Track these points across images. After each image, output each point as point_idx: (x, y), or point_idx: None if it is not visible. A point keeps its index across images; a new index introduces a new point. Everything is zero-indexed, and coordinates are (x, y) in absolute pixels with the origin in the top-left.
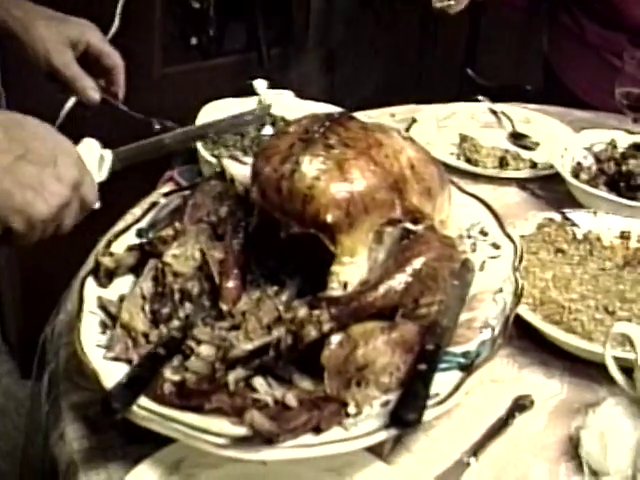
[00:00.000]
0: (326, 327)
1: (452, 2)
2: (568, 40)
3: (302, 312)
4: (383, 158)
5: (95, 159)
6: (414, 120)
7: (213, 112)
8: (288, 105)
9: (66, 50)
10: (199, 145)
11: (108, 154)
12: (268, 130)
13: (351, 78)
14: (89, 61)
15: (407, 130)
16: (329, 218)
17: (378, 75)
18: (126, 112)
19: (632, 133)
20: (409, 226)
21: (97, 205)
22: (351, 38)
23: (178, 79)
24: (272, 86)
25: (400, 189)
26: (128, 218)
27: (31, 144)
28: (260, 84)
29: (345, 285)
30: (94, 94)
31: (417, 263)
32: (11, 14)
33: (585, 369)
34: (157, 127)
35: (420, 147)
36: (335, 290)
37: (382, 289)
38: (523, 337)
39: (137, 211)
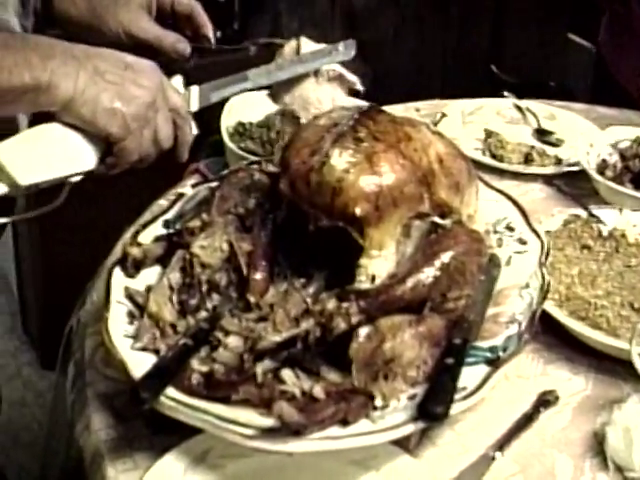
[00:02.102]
0: (354, 320)
1: None
2: (619, 31)
3: (331, 304)
4: (412, 152)
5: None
6: (443, 115)
7: (238, 106)
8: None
9: (140, 17)
10: (225, 137)
11: (194, 87)
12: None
13: (375, 72)
14: (166, 17)
15: (436, 125)
16: (358, 211)
17: (403, 70)
18: (223, 48)
19: None
20: (437, 220)
21: (195, 131)
22: (375, 33)
23: (203, 72)
24: None
25: (428, 183)
26: (154, 209)
27: (109, 57)
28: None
29: (373, 278)
30: (184, 46)
31: (445, 257)
32: (75, 4)
33: (610, 365)
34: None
35: (449, 141)
36: (363, 283)
37: (410, 283)
38: (549, 333)
39: (163, 202)
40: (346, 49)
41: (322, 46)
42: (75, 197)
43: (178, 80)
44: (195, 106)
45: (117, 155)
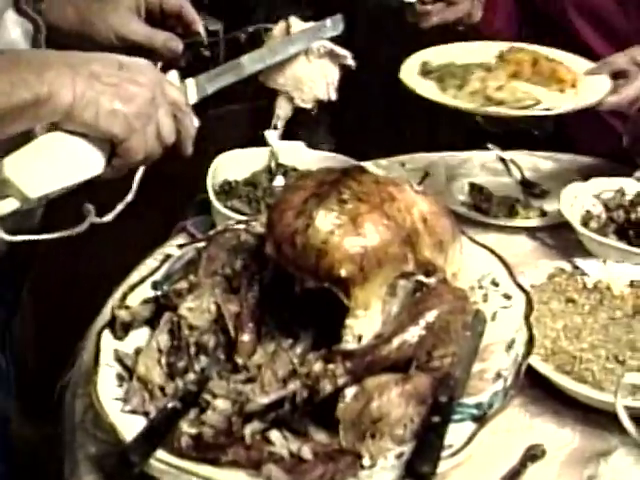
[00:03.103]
0: (341, 381)
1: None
2: None
3: (317, 366)
4: (396, 212)
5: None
6: (427, 174)
7: (226, 162)
8: (299, 155)
9: (130, 19)
10: (212, 196)
11: (190, 80)
12: (280, 181)
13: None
14: (155, 17)
15: (419, 184)
16: (343, 272)
17: (387, 122)
18: (214, 41)
19: None
20: (422, 279)
21: (196, 123)
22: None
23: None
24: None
25: (413, 243)
26: (142, 269)
27: (103, 60)
28: (271, 135)
29: (359, 338)
30: (175, 44)
31: (430, 316)
32: (65, 14)
33: (597, 418)
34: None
35: (433, 200)
36: (349, 343)
37: (396, 342)
38: (535, 386)
39: (151, 262)
40: (334, 24)
41: (310, 24)
42: (65, 251)
43: (174, 75)
44: (193, 98)
45: (123, 155)
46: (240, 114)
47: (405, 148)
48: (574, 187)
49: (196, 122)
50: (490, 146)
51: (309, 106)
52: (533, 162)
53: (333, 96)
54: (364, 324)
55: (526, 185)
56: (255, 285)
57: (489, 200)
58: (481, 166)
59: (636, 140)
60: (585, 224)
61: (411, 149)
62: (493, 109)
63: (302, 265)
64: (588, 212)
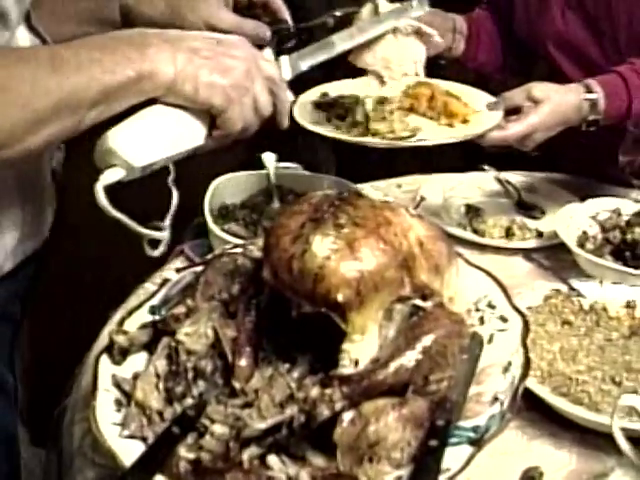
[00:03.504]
0: (338, 406)
1: None
2: None
3: (314, 391)
4: (392, 236)
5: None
6: (422, 198)
7: (223, 186)
8: (296, 178)
9: (219, 9)
10: (209, 219)
11: (284, 57)
12: (276, 203)
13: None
14: (242, 5)
15: (416, 208)
16: (340, 297)
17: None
18: (302, 27)
19: (637, 201)
20: (418, 303)
21: (291, 97)
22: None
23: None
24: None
25: (409, 267)
26: (140, 293)
27: (192, 38)
28: (269, 157)
29: (356, 363)
30: (263, 31)
31: (427, 340)
32: (153, 5)
33: (594, 440)
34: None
35: (429, 224)
36: (346, 368)
37: (393, 367)
38: (532, 409)
39: (149, 286)
40: (420, 3)
41: (397, 5)
42: (62, 277)
43: (268, 52)
44: (288, 75)
45: (222, 126)
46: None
47: (402, 170)
48: (570, 208)
49: (291, 96)
50: (486, 167)
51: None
52: (529, 183)
53: (421, 74)
54: (361, 348)
55: (522, 206)
56: (252, 310)
57: (485, 221)
58: (477, 187)
59: (631, 161)
60: (581, 245)
61: (408, 171)
62: (364, 139)
63: (299, 290)
64: (584, 233)
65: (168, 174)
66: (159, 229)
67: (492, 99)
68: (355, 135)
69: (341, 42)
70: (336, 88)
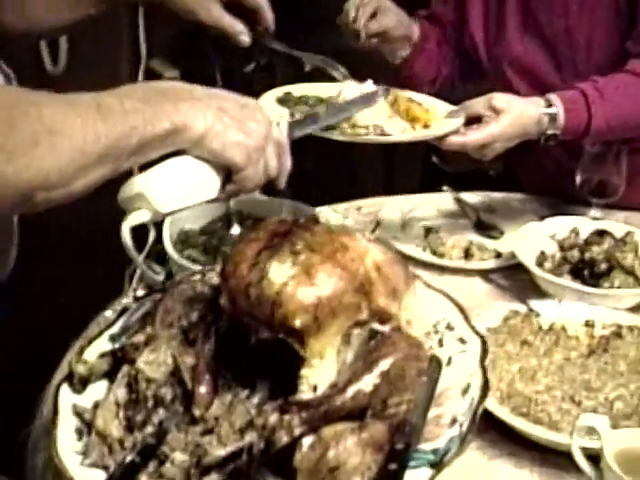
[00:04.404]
0: (297, 431)
1: None
2: None
3: (273, 418)
4: (349, 262)
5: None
6: (379, 223)
7: (181, 213)
8: (255, 203)
9: (211, 3)
10: (168, 246)
11: (283, 122)
12: (236, 229)
13: (316, 173)
14: (234, 4)
15: (372, 232)
16: (297, 323)
17: (344, 165)
18: (277, 49)
19: (595, 219)
20: (376, 327)
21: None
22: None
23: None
24: None
25: (366, 291)
26: (101, 321)
27: (224, 97)
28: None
29: (315, 388)
30: (245, 38)
31: (385, 364)
32: None
33: (554, 459)
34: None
35: (385, 248)
36: (305, 393)
37: (351, 392)
38: (492, 429)
39: (108, 314)
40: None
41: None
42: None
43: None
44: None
45: (238, 183)
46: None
47: (362, 192)
48: (528, 227)
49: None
50: (445, 188)
51: None
52: (488, 203)
53: None
54: (319, 373)
55: (481, 227)
56: (211, 336)
57: (444, 243)
58: (436, 208)
59: (589, 179)
60: (540, 265)
61: (368, 193)
62: (327, 133)
63: (257, 316)
64: (543, 253)
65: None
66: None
67: (453, 108)
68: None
69: (326, 117)
70: (300, 89)
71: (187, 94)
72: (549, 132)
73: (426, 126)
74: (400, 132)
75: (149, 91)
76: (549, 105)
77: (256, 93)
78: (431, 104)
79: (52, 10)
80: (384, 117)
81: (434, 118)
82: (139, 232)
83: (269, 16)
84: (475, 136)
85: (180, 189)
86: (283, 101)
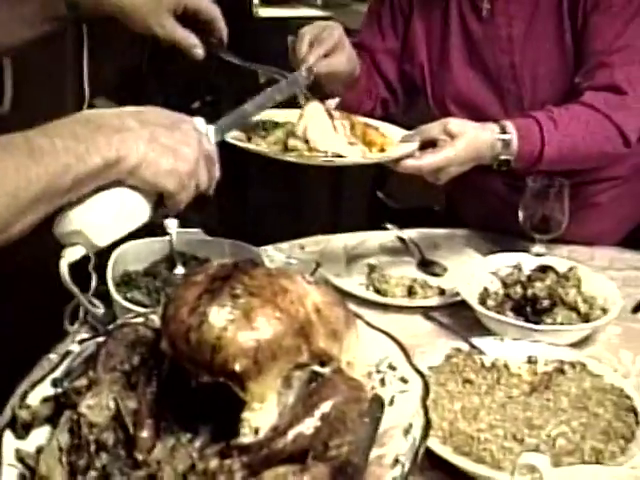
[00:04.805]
0: (238, 476)
1: None
2: None
3: (213, 463)
4: (288, 304)
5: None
6: (318, 265)
7: (126, 253)
8: (198, 243)
9: (166, 18)
10: (111, 288)
11: (211, 127)
12: (180, 270)
13: (260, 212)
14: (188, 17)
15: (312, 274)
16: (237, 367)
17: (287, 202)
18: (233, 61)
19: (538, 255)
20: (317, 369)
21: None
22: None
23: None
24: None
25: (306, 334)
26: (45, 365)
27: (156, 120)
28: (171, 223)
29: (256, 431)
30: (199, 51)
31: (325, 407)
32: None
33: None
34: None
35: (325, 290)
36: (246, 436)
37: (291, 435)
38: (436, 468)
39: (53, 356)
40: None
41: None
42: None
43: (200, 121)
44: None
45: (170, 207)
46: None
47: (307, 230)
48: (471, 264)
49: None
50: (389, 226)
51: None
52: (431, 240)
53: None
54: (260, 417)
55: (424, 264)
56: (153, 380)
57: (387, 281)
58: (380, 246)
59: (531, 215)
60: (483, 302)
61: (313, 230)
62: (285, 156)
63: (197, 361)
64: (486, 289)
65: (89, 260)
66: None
67: (408, 132)
68: (275, 152)
69: (254, 110)
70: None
71: (118, 124)
72: (502, 157)
73: (382, 150)
74: (355, 154)
75: (80, 126)
76: (503, 131)
77: None
78: (387, 129)
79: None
80: (343, 143)
81: (390, 142)
82: (81, 269)
83: (223, 28)
84: (430, 159)
85: (115, 220)
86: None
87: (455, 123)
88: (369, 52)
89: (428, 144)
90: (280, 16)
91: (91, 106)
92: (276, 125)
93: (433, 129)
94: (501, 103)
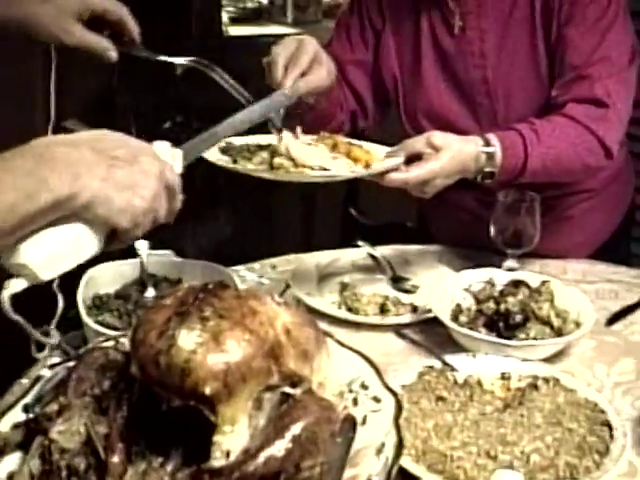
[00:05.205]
0: None
1: None
2: None
3: None
4: (258, 326)
5: (169, 157)
6: (288, 286)
7: (97, 276)
8: (169, 265)
9: (71, 24)
10: (82, 311)
11: (178, 151)
12: (151, 292)
13: (232, 232)
14: (96, 19)
15: (281, 295)
16: (207, 390)
17: (258, 222)
18: (148, 56)
19: (510, 270)
20: (288, 390)
21: (181, 197)
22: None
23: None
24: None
25: (276, 355)
26: (16, 390)
27: (115, 152)
28: (141, 245)
29: (228, 454)
30: (112, 54)
31: (296, 429)
32: (8, 13)
33: None
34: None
35: (295, 310)
36: (218, 460)
37: (263, 457)
38: None
39: (24, 381)
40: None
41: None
42: None
43: (164, 144)
44: (179, 169)
45: (122, 241)
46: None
47: (280, 249)
48: (443, 280)
49: (180, 197)
50: (360, 243)
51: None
52: (404, 256)
53: None
54: (232, 440)
55: (397, 281)
56: (124, 404)
57: (359, 299)
58: (352, 264)
59: (503, 230)
60: (455, 318)
61: (286, 250)
62: (270, 174)
63: (167, 385)
64: (458, 305)
65: (52, 280)
66: (48, 333)
67: (392, 148)
68: (263, 170)
69: (224, 133)
70: (241, 139)
71: (74, 156)
72: (486, 170)
73: (367, 166)
74: (347, 170)
75: (33, 159)
76: (487, 144)
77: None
78: (370, 147)
79: None
80: (327, 158)
81: (375, 158)
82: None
83: (132, 26)
84: (416, 172)
85: (63, 255)
86: (225, 150)
87: (439, 136)
88: (337, 63)
89: (413, 159)
90: (250, 34)
91: (60, 128)
92: (260, 147)
93: (417, 143)
94: (474, 117)
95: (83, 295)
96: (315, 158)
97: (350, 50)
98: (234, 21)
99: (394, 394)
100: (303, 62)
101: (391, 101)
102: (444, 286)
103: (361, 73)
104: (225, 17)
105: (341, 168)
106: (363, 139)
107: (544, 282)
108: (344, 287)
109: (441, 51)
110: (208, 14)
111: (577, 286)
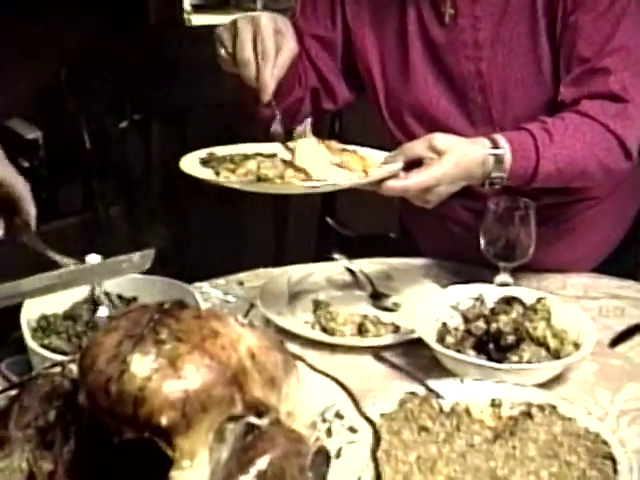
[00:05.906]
0: None
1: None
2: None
3: None
4: (219, 350)
5: None
6: (252, 305)
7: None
8: (124, 282)
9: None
10: (26, 333)
11: None
12: (103, 312)
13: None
14: None
15: (246, 315)
16: (164, 421)
17: (227, 234)
18: (39, 250)
19: (503, 285)
20: (253, 421)
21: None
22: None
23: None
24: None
25: (240, 382)
26: None
27: None
28: (93, 259)
29: None
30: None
31: (262, 463)
32: None
33: None
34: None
35: (261, 333)
36: None
37: None
38: None
39: None
40: (143, 260)
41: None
42: None
43: None
44: None
45: None
46: (66, 228)
47: (250, 264)
48: (428, 297)
49: None
50: (336, 256)
51: None
52: (384, 270)
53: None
54: (191, 476)
55: (377, 298)
56: (71, 437)
57: (335, 318)
58: (327, 279)
59: (493, 241)
60: (441, 339)
61: (254, 263)
62: (254, 186)
63: (119, 415)
64: (445, 325)
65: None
66: None
67: (390, 153)
68: (246, 183)
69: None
70: (223, 150)
71: None
72: (494, 175)
73: (364, 173)
74: (334, 178)
75: None
76: (495, 146)
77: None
78: (365, 152)
79: None
80: (328, 165)
81: (371, 165)
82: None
83: (30, 210)
84: (417, 179)
85: None
86: (206, 162)
87: (441, 139)
88: (298, 35)
89: (413, 164)
90: (215, 24)
91: (6, 129)
92: (246, 157)
93: (417, 146)
94: (466, 115)
95: (27, 316)
96: (316, 167)
97: (315, 24)
98: (197, 9)
99: (372, 424)
100: (270, 50)
101: (367, 92)
102: (429, 304)
103: (325, 52)
104: (187, 4)
105: (339, 176)
106: (342, 141)
107: (540, 299)
108: (318, 305)
109: (430, 42)
110: (167, 1)
111: (578, 303)
